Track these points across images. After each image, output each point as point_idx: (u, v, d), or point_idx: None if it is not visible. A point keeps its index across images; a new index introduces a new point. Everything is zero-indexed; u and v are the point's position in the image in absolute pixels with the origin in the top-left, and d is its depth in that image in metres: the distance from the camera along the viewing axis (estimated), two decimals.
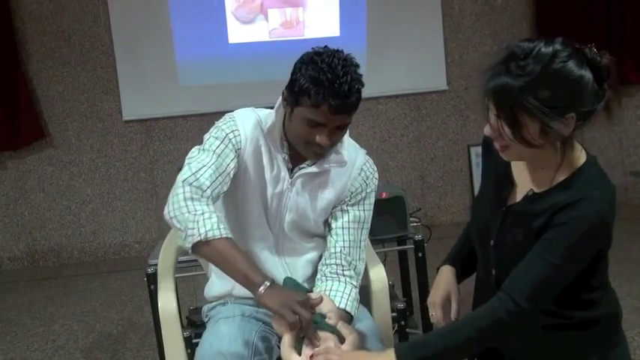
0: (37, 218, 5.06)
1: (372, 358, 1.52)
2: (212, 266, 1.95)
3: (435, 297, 1.70)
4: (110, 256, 5.13)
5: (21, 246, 5.08)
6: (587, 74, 1.33)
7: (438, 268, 1.77)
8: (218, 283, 1.91)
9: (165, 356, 2.02)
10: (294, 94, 1.69)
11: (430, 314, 1.69)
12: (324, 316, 1.63)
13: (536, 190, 1.46)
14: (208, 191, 1.67)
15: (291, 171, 1.81)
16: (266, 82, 4.95)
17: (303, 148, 1.74)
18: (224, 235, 1.60)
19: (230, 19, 4.92)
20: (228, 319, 1.83)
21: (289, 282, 1.71)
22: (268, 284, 1.56)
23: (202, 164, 1.69)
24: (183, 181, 1.66)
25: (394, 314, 2.56)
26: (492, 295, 1.47)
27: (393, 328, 2.33)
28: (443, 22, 5.10)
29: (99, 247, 5.13)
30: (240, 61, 4.93)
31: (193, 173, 1.67)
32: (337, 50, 1.71)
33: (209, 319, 1.92)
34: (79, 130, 5.01)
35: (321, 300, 1.64)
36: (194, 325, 2.62)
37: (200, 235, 1.58)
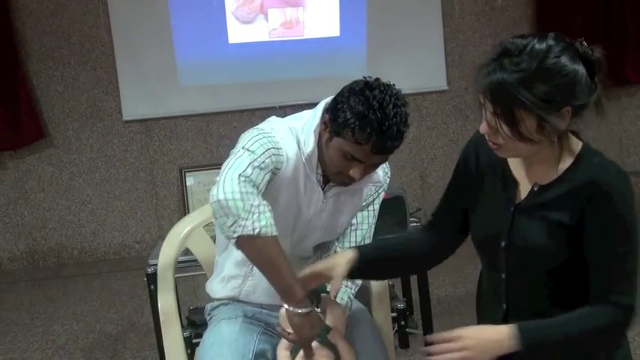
0: (37, 218, 5.06)
1: (491, 331, 1.42)
2: (218, 268, 1.93)
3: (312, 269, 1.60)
4: (110, 256, 5.13)
5: (21, 246, 5.07)
6: (581, 68, 1.34)
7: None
8: (222, 288, 1.89)
9: (166, 356, 2.02)
10: (336, 124, 1.62)
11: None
12: (328, 331, 1.62)
13: (542, 183, 1.46)
14: (259, 187, 1.57)
15: (322, 189, 1.78)
16: (266, 82, 4.97)
17: (332, 175, 1.70)
18: (274, 234, 1.51)
19: (230, 19, 4.92)
20: (231, 320, 1.82)
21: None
22: (307, 311, 1.52)
23: (253, 159, 1.58)
24: (240, 174, 1.53)
25: (394, 314, 2.56)
26: (500, 302, 1.47)
27: (393, 328, 2.33)
28: (443, 22, 5.10)
29: (99, 247, 5.12)
30: (240, 61, 4.93)
31: (249, 165, 1.56)
32: (389, 85, 1.65)
33: (211, 319, 1.92)
34: (79, 130, 5.01)
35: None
36: (194, 325, 2.62)
37: (254, 229, 1.47)
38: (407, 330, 2.97)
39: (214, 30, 4.91)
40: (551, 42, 1.35)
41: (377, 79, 1.66)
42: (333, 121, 1.63)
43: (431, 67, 5.12)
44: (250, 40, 4.94)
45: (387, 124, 1.57)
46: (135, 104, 4.97)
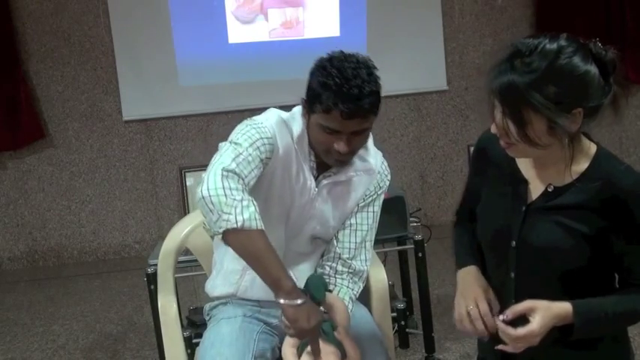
0: (37, 218, 5.06)
1: (557, 308, 1.40)
2: (215, 264, 1.94)
3: (474, 291, 1.52)
4: (110, 256, 5.13)
5: (21, 246, 5.07)
6: (593, 69, 1.33)
7: (457, 270, 1.63)
8: (221, 284, 1.90)
9: (166, 356, 2.02)
10: (308, 102, 1.67)
11: (467, 308, 1.49)
12: (334, 328, 1.62)
13: (557, 185, 1.45)
14: (246, 180, 1.59)
15: (316, 178, 1.79)
16: (266, 82, 4.97)
17: (324, 156, 1.72)
18: (259, 227, 1.52)
19: (230, 19, 4.92)
20: (230, 319, 1.82)
21: (312, 282, 1.68)
22: (300, 303, 1.50)
23: (238, 153, 1.61)
24: (223, 168, 1.56)
25: (394, 314, 2.56)
26: (507, 302, 1.47)
27: (393, 328, 2.33)
28: (443, 22, 5.10)
29: (99, 247, 5.12)
30: (240, 61, 4.93)
31: (233, 159, 1.59)
32: (350, 54, 1.67)
33: (210, 318, 1.92)
34: (79, 130, 5.01)
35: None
36: (194, 325, 2.63)
37: (237, 222, 1.48)
38: (407, 330, 2.97)
39: (214, 30, 4.91)
40: (562, 42, 1.34)
41: (340, 51, 1.69)
42: (306, 100, 1.69)
43: (431, 67, 5.12)
44: (250, 40, 4.94)
45: (346, 86, 1.59)
46: (135, 104, 4.96)
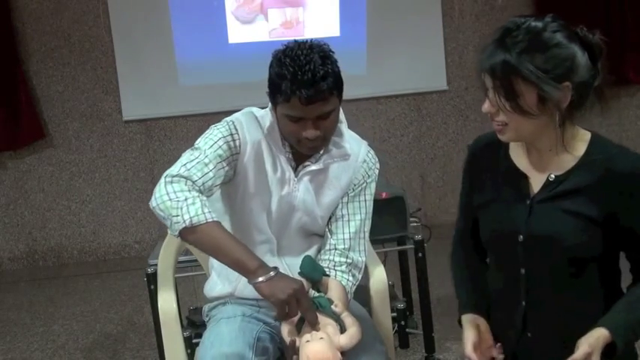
0: (37, 218, 5.06)
1: (602, 336, 1.39)
2: (213, 265, 1.95)
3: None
4: (110, 256, 5.13)
5: (21, 246, 5.08)
6: (579, 48, 1.38)
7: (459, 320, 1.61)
8: (219, 283, 1.90)
9: (166, 356, 2.03)
10: (270, 95, 1.71)
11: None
12: (331, 302, 1.64)
13: (557, 174, 1.46)
14: (199, 182, 1.64)
15: (295, 169, 1.81)
16: (266, 82, 4.96)
17: (297, 145, 1.74)
18: (209, 220, 1.56)
19: (230, 19, 4.92)
20: (230, 319, 1.82)
21: (307, 263, 1.70)
22: (272, 275, 1.54)
23: (192, 158, 1.67)
24: (166, 175, 1.63)
25: (394, 314, 2.56)
26: (518, 300, 1.47)
27: (393, 328, 2.32)
28: (443, 22, 5.10)
29: (99, 247, 5.13)
30: (240, 61, 4.92)
31: (183, 164, 1.66)
32: (303, 40, 1.70)
33: (209, 319, 1.92)
34: (79, 130, 5.01)
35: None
36: (194, 325, 2.63)
37: (185, 221, 1.55)
38: (407, 330, 2.97)
39: (214, 30, 4.91)
40: (548, 19, 1.41)
41: (294, 41, 1.73)
42: (269, 94, 1.72)
43: (431, 67, 5.11)
44: (250, 40, 4.94)
45: (300, 72, 1.62)
46: (135, 104, 4.97)
